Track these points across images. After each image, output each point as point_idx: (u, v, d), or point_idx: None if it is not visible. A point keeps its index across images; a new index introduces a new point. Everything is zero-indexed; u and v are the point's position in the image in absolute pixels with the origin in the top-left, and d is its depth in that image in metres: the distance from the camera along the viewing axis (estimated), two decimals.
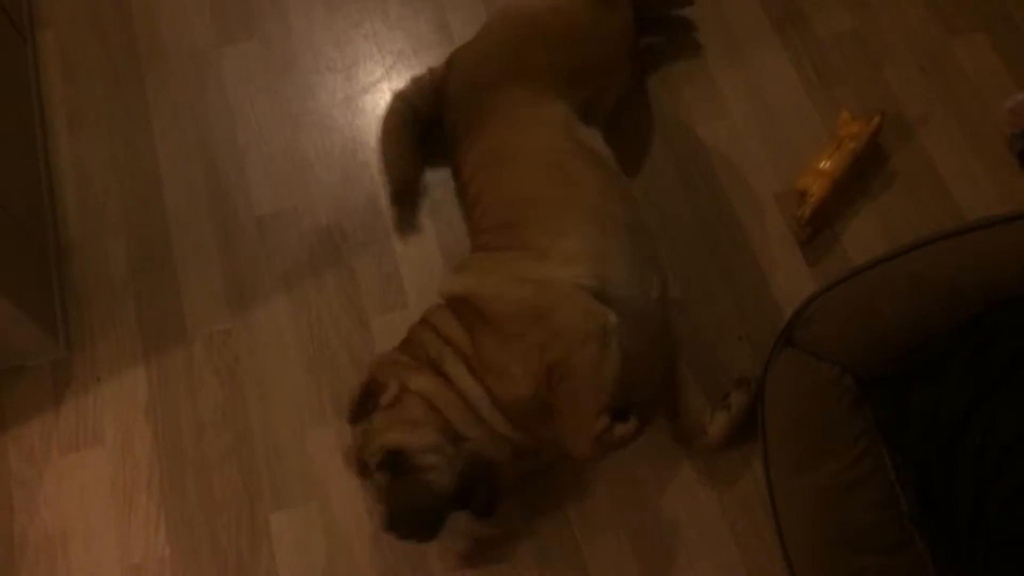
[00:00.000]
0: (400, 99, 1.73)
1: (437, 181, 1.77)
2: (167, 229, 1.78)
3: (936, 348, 1.46)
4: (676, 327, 1.60)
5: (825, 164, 1.68)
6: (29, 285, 1.63)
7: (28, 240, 1.69)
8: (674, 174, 1.77)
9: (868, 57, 1.86)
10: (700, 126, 1.82)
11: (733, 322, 1.63)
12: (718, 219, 1.73)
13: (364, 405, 1.36)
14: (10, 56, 1.85)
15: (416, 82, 1.73)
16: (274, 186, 1.81)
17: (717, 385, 1.58)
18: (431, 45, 1.94)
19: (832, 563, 1.38)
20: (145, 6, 1.98)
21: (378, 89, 1.90)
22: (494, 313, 1.33)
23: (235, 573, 1.50)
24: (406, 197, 1.75)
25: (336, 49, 1.95)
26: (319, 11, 1.97)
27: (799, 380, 1.48)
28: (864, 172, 1.73)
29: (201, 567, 1.50)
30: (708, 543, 1.49)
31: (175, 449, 1.59)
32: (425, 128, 1.74)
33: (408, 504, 1.29)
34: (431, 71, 1.72)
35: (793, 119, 1.82)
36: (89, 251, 1.76)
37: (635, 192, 1.74)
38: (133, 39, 1.97)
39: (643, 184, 1.76)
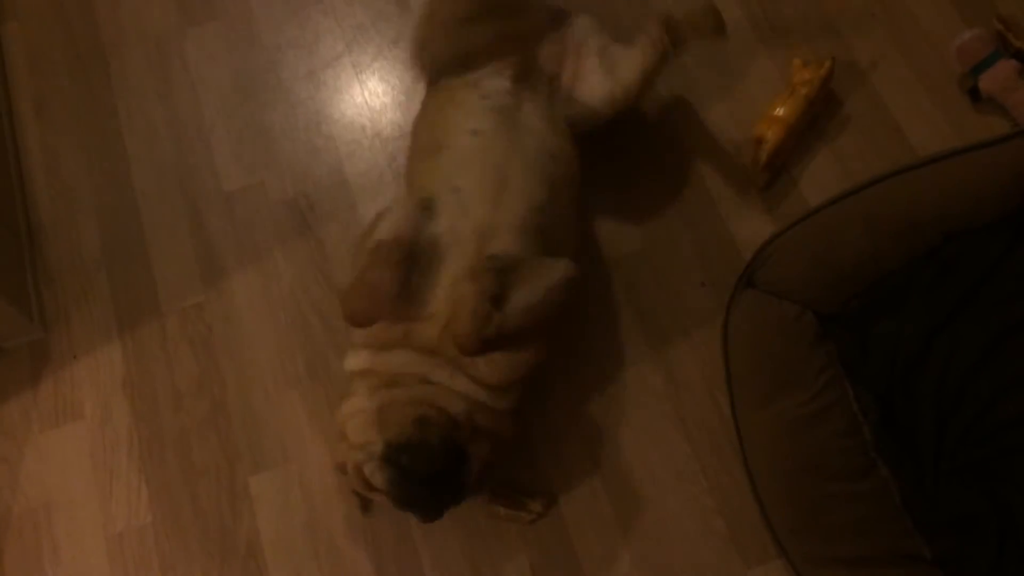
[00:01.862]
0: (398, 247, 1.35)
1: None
2: (137, 208, 1.80)
3: (894, 282, 1.50)
4: (637, 273, 1.63)
5: (779, 111, 1.71)
6: (3, 269, 1.66)
7: (0, 225, 1.72)
8: (632, 126, 1.79)
9: (819, 6, 1.89)
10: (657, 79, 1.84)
11: (694, 268, 1.66)
12: (677, 168, 1.76)
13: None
14: None
15: (408, 218, 1.36)
16: (241, 162, 1.83)
17: (680, 329, 1.61)
18: (389, 17, 1.96)
19: (799, 490, 1.41)
20: None
21: (340, 64, 1.93)
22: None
23: (217, 535, 1.52)
24: None
25: (297, 26, 1.97)
26: None
27: (761, 319, 1.51)
28: (819, 117, 1.76)
29: (183, 531, 1.53)
30: (679, 482, 1.52)
31: (153, 420, 1.62)
32: None
33: (398, 492, 1.28)
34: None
35: (748, 69, 1.85)
36: (61, 233, 1.78)
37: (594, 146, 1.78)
38: (96, 27, 1.99)
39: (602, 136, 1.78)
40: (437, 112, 1.53)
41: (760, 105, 1.76)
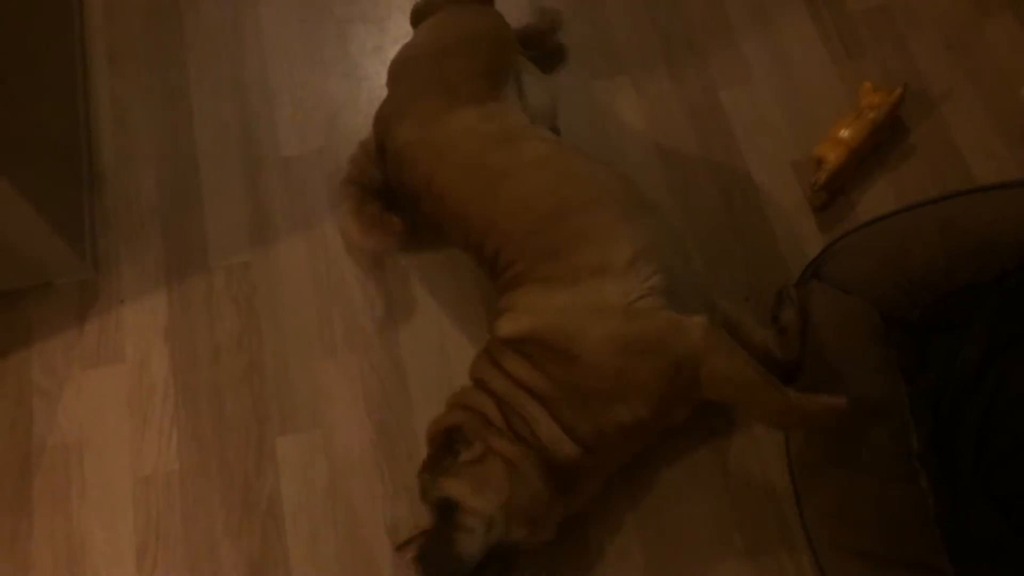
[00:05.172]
0: (348, 184, 1.66)
1: None
2: (196, 163, 1.83)
3: (962, 298, 1.50)
4: None
5: (844, 133, 1.69)
6: (63, 207, 1.70)
7: (64, 166, 1.76)
8: (694, 137, 1.79)
9: (896, 31, 1.87)
10: (723, 91, 1.84)
11: (742, 282, 1.65)
12: (734, 182, 1.75)
13: (441, 454, 1.34)
14: None
15: (353, 161, 1.68)
16: (301, 129, 1.86)
17: None
18: None
19: (836, 479, 1.41)
20: None
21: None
22: (585, 350, 1.29)
23: (240, 490, 1.55)
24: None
25: (370, 1, 1.99)
26: None
27: (824, 310, 1.52)
28: (883, 143, 1.74)
29: (209, 482, 1.56)
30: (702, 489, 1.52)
31: (190, 370, 1.64)
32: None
33: (433, 551, 1.29)
34: (360, 144, 1.69)
35: (817, 89, 1.83)
36: (121, 179, 1.82)
37: (653, 153, 1.78)
38: None
39: (662, 145, 1.78)
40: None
41: (824, 124, 1.74)
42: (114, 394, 1.63)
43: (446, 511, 1.29)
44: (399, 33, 1.94)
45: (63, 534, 1.53)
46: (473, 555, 1.27)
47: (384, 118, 1.61)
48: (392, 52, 1.89)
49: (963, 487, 1.40)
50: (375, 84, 1.89)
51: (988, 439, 1.42)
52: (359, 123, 1.85)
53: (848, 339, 1.49)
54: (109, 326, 1.69)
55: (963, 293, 1.51)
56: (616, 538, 1.49)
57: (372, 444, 1.57)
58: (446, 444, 1.34)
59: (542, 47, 1.86)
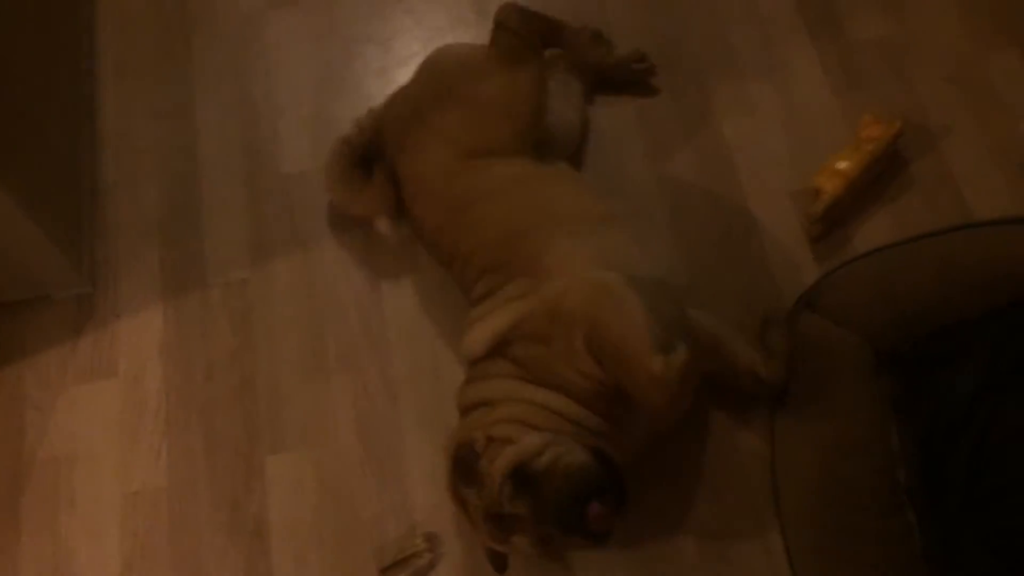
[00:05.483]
0: (343, 143, 1.72)
1: None
2: (198, 179, 1.84)
3: (958, 334, 1.50)
4: None
5: (842, 164, 1.69)
6: (62, 220, 1.71)
7: (66, 178, 1.77)
8: (694, 165, 1.79)
9: (898, 65, 1.87)
10: (725, 121, 1.84)
11: (735, 311, 1.64)
12: (732, 210, 1.74)
13: (467, 473, 1.29)
14: (66, 8, 1.94)
15: (358, 124, 1.73)
16: (304, 147, 1.87)
17: (717, 374, 1.59)
18: (469, 24, 1.99)
19: (823, 514, 1.41)
20: None
21: (414, 63, 1.92)
22: (525, 332, 1.34)
23: (228, 507, 1.54)
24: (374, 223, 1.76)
25: (377, 21, 2.00)
26: None
27: (816, 341, 1.51)
28: (882, 176, 1.74)
29: (196, 500, 1.56)
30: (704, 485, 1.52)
31: (183, 387, 1.65)
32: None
33: (557, 499, 1.21)
34: (370, 111, 1.74)
35: (818, 120, 1.83)
36: (122, 194, 1.83)
37: (652, 180, 1.78)
38: (184, 1, 2.05)
39: (662, 172, 1.78)
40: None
41: (823, 155, 1.73)
42: (106, 409, 1.63)
43: (523, 477, 1.23)
44: (405, 54, 1.95)
45: (50, 548, 1.53)
46: (584, 462, 1.22)
47: (396, 118, 1.65)
48: (398, 74, 1.92)
49: (952, 523, 1.39)
50: (379, 105, 1.89)
51: (979, 475, 1.42)
52: None
53: (838, 372, 1.48)
54: (104, 340, 1.70)
55: (957, 328, 1.50)
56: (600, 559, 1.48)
57: (361, 465, 1.57)
58: (465, 464, 1.30)
59: (606, 73, 1.86)
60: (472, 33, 1.96)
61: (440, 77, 1.62)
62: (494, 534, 1.28)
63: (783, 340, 1.50)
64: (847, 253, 1.68)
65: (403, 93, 1.68)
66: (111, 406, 1.64)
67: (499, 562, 1.39)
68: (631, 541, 1.49)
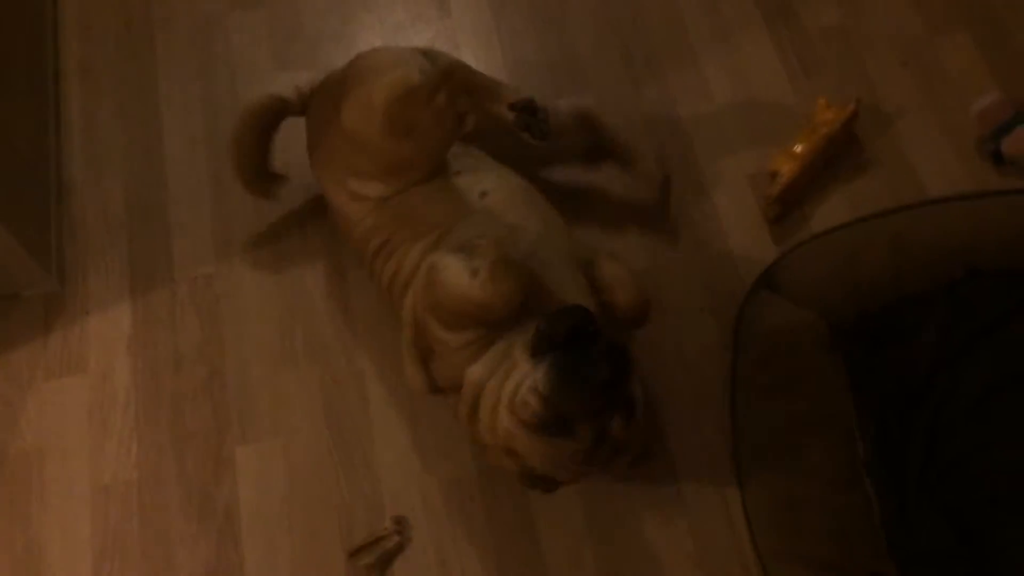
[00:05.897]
0: (275, 98, 1.67)
1: None
2: (164, 177, 1.86)
3: (912, 308, 1.53)
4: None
5: (798, 147, 1.72)
6: (28, 220, 1.72)
7: (31, 177, 1.78)
8: (652, 151, 1.82)
9: (852, 50, 1.91)
10: (682, 107, 1.88)
11: (697, 294, 1.68)
12: (690, 195, 1.78)
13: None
14: (31, 8, 1.95)
15: (298, 89, 1.68)
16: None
17: (677, 354, 1.63)
18: (430, 20, 2.01)
19: (782, 485, 1.44)
20: None
21: None
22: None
23: (198, 498, 1.56)
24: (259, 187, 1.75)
25: (339, 19, 2.03)
26: None
27: (774, 319, 1.55)
28: (838, 158, 1.77)
29: (166, 491, 1.57)
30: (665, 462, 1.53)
31: (152, 380, 1.66)
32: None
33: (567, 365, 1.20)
34: (302, 87, 1.68)
35: (774, 106, 1.87)
36: (88, 192, 1.84)
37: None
38: (148, 0, 2.06)
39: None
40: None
41: (781, 140, 1.77)
42: (75, 404, 1.65)
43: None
44: None
45: (22, 541, 1.54)
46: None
47: (326, 101, 1.60)
48: None
49: (910, 495, 1.42)
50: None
51: (935, 448, 1.45)
52: None
53: (796, 349, 1.51)
54: (73, 337, 1.71)
55: (912, 303, 1.54)
56: (569, 541, 1.50)
57: (330, 453, 1.58)
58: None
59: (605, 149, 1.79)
60: (433, 29, 1.99)
61: (348, 82, 1.54)
62: (556, 443, 1.22)
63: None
64: (804, 233, 1.71)
65: (325, 85, 1.63)
66: (81, 401, 1.65)
67: (548, 485, 1.35)
68: (596, 512, 1.52)
